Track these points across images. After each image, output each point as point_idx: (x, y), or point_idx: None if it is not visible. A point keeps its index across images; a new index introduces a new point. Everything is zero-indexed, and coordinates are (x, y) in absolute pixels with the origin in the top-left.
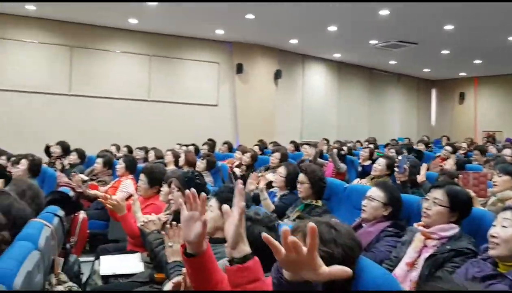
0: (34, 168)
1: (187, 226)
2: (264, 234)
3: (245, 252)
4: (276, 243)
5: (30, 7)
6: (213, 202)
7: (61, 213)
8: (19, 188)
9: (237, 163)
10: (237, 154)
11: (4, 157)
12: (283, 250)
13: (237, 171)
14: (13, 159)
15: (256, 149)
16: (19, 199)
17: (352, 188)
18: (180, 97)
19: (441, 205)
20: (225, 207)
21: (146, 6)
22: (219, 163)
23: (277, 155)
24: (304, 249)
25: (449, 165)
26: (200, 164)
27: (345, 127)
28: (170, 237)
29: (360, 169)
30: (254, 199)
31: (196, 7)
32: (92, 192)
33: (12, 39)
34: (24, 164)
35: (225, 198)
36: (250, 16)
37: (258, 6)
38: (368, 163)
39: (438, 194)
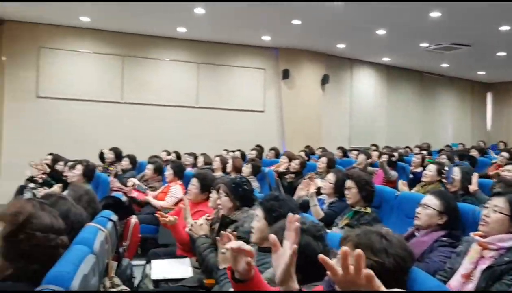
0: (89, 173)
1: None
2: (321, 256)
3: (293, 289)
4: (332, 263)
5: (85, 19)
6: (258, 211)
7: (114, 217)
8: (76, 193)
9: (283, 166)
10: (283, 159)
11: (61, 162)
12: (339, 270)
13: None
14: (69, 164)
15: (302, 154)
16: (76, 204)
17: (404, 196)
18: (227, 104)
19: (501, 213)
20: (272, 237)
21: (194, 15)
22: (266, 169)
23: (323, 160)
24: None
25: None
26: (246, 169)
27: (395, 133)
28: (223, 244)
29: (411, 175)
30: (302, 206)
31: (243, 14)
32: (143, 198)
33: (68, 50)
34: (79, 169)
35: (270, 207)
36: (296, 21)
37: (305, 11)
38: (419, 169)
39: (499, 202)
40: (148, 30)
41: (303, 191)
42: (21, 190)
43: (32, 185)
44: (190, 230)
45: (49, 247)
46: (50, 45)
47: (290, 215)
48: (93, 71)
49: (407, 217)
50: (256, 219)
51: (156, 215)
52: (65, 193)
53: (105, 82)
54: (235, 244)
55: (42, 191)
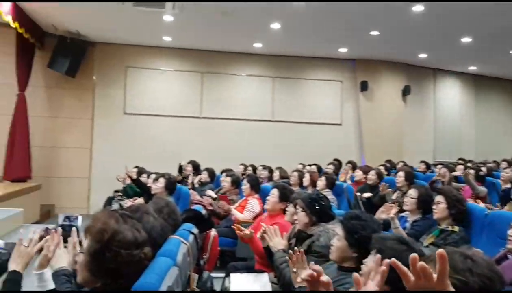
0: (170, 186)
1: None
2: (393, 260)
3: None
4: (405, 269)
5: (167, 38)
6: (339, 230)
7: (195, 230)
8: (158, 205)
9: (348, 177)
10: (358, 172)
11: (145, 175)
12: (412, 276)
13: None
14: (153, 176)
15: (382, 169)
16: (157, 216)
17: (496, 215)
18: (303, 117)
19: None
20: (356, 277)
21: (270, 30)
22: (344, 184)
23: (401, 174)
24: (434, 276)
25: None
26: (320, 182)
27: (484, 146)
28: (294, 263)
29: (502, 192)
30: (384, 226)
31: (319, 27)
32: (226, 207)
33: (152, 68)
34: (161, 182)
35: (352, 228)
36: (375, 32)
37: (383, 21)
38: (509, 185)
39: None
40: (225, 47)
41: (384, 214)
42: (109, 201)
43: (119, 195)
44: (263, 233)
45: (133, 262)
46: (135, 65)
47: (412, 256)
48: (175, 88)
49: (499, 237)
50: (336, 237)
51: (233, 227)
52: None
53: (185, 98)
54: (311, 273)
55: (128, 203)
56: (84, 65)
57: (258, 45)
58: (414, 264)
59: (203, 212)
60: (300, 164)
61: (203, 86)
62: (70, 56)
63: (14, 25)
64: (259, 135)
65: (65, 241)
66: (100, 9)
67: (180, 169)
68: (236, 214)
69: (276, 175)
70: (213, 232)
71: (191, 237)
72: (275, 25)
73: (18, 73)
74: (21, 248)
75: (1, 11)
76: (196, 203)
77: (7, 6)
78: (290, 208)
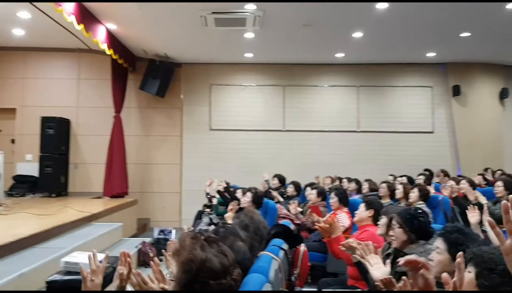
0: (257, 200)
1: None
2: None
3: None
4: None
5: (249, 55)
6: (439, 243)
7: (285, 246)
8: (243, 223)
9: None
10: (449, 183)
11: (231, 189)
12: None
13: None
14: (239, 190)
15: (480, 178)
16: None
17: None
18: (391, 126)
19: None
20: (445, 276)
21: (352, 40)
22: (440, 196)
23: (499, 184)
24: None
25: None
26: (413, 194)
27: None
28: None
29: None
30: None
31: (404, 32)
32: (316, 218)
33: (234, 85)
34: (249, 196)
35: (455, 240)
36: (465, 34)
37: (474, 22)
38: None
39: None
40: (306, 59)
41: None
42: (199, 215)
43: (208, 210)
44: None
45: (223, 291)
46: (219, 82)
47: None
48: (257, 102)
49: None
50: (436, 250)
51: (316, 225)
52: (234, 221)
53: (268, 112)
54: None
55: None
56: (172, 85)
57: (340, 55)
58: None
59: (292, 227)
60: (391, 175)
61: (285, 99)
62: (159, 78)
63: (109, 52)
64: (344, 146)
65: (160, 254)
66: (185, 32)
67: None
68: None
69: (365, 187)
70: (302, 247)
71: (281, 253)
72: (357, 34)
73: (114, 96)
74: (88, 284)
75: (98, 40)
76: (283, 217)
77: (103, 35)
78: (383, 220)
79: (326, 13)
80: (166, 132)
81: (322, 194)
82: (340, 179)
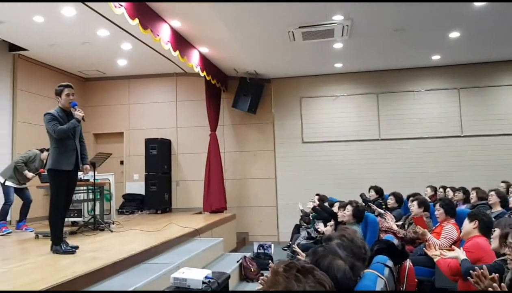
0: (358, 213)
1: None
2: None
3: None
4: None
5: (338, 65)
6: None
7: (390, 263)
8: (344, 243)
9: None
10: None
11: (326, 203)
12: None
13: None
14: (337, 204)
15: None
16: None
17: None
18: (498, 129)
19: None
20: None
21: (448, 40)
22: None
23: None
24: None
25: None
26: None
27: None
28: None
29: None
30: None
31: (505, 27)
32: (421, 231)
33: (325, 96)
34: (349, 210)
35: None
36: None
37: None
38: None
39: None
40: (399, 64)
41: None
42: (297, 229)
43: (305, 224)
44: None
45: None
46: (309, 94)
47: None
48: (349, 112)
49: None
50: None
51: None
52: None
53: (362, 121)
54: None
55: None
56: (263, 101)
57: (436, 57)
58: None
59: (395, 241)
60: (504, 181)
61: (379, 107)
62: (250, 95)
63: (203, 74)
64: (446, 153)
65: (261, 268)
66: (273, 49)
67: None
68: (432, 240)
69: (473, 196)
70: (408, 263)
71: (386, 270)
72: (454, 34)
73: (209, 116)
74: None
75: (192, 64)
76: (385, 231)
77: (196, 58)
78: (496, 233)
79: (418, 15)
80: (259, 147)
81: (424, 205)
82: (444, 188)
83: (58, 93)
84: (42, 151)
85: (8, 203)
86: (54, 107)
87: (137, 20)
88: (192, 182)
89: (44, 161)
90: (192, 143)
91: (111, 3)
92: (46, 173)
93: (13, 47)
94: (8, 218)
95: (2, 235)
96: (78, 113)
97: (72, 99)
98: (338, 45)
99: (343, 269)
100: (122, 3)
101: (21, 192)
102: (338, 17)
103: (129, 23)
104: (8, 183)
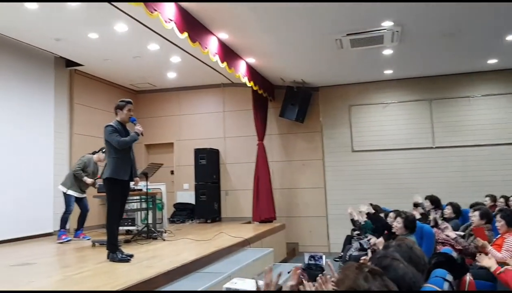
0: (410, 224)
1: None
2: None
3: None
4: None
5: (388, 71)
6: None
7: (449, 277)
8: (401, 250)
9: None
10: None
11: (383, 212)
12: None
13: None
14: (391, 215)
15: None
16: (407, 264)
17: None
18: None
19: None
20: None
21: (505, 43)
22: None
23: None
24: None
25: None
26: None
27: None
28: None
29: None
30: None
31: None
32: (481, 242)
33: (374, 104)
34: (399, 221)
35: None
36: None
37: None
38: None
39: None
40: (453, 69)
41: None
42: (349, 240)
43: (357, 232)
44: None
45: None
46: (358, 102)
47: None
48: (400, 119)
49: None
50: None
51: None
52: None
53: (414, 129)
54: None
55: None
56: (311, 109)
57: (492, 61)
58: None
59: (454, 254)
60: None
61: (432, 114)
62: (298, 104)
63: (250, 84)
64: (506, 161)
65: (313, 279)
66: (321, 57)
67: (416, 205)
68: (494, 252)
69: None
70: (468, 277)
71: (446, 285)
72: (511, 37)
73: (256, 125)
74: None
75: (240, 74)
76: (442, 242)
77: (243, 69)
78: None
79: (472, 19)
80: (308, 157)
81: (486, 216)
82: (506, 198)
83: (120, 108)
84: (93, 153)
85: (68, 211)
86: (112, 120)
87: (186, 34)
88: (240, 191)
89: (99, 163)
90: (240, 153)
91: (161, 18)
92: (102, 183)
93: (69, 63)
94: (67, 226)
95: (61, 242)
96: (139, 128)
97: (132, 114)
98: (387, 52)
99: (403, 271)
100: (172, 18)
101: (80, 201)
102: (387, 23)
103: (178, 37)
104: (70, 192)
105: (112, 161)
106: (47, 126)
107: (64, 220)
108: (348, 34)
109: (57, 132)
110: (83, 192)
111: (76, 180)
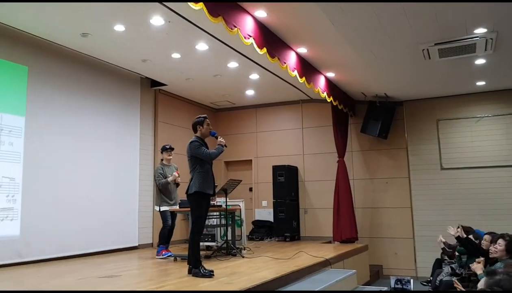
0: None
1: None
2: None
3: None
4: None
5: (480, 83)
6: None
7: None
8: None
9: None
10: None
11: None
12: None
13: None
14: (486, 237)
15: None
16: None
17: None
18: None
19: None
20: None
21: None
22: None
23: None
24: None
25: None
26: None
27: None
28: None
29: None
30: None
31: None
32: None
33: (465, 118)
34: (501, 244)
35: None
36: None
37: None
38: None
39: None
40: None
41: None
42: (439, 264)
43: (447, 258)
44: None
45: None
46: (447, 116)
47: None
48: (496, 134)
49: None
50: None
51: None
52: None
53: (511, 145)
54: None
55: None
56: (394, 125)
57: None
58: None
59: None
60: None
61: None
62: (380, 119)
63: (329, 99)
64: None
65: None
66: (405, 69)
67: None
68: None
69: None
70: None
71: None
72: None
73: (336, 142)
74: None
75: (319, 90)
76: None
77: (322, 84)
78: None
79: None
80: (392, 174)
81: None
82: None
83: (200, 123)
84: (161, 152)
85: (165, 226)
86: (192, 137)
87: (265, 50)
88: (320, 210)
89: (168, 161)
90: (319, 170)
91: (241, 33)
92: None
93: (154, 83)
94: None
95: (161, 258)
96: (221, 140)
97: (211, 128)
98: (480, 61)
99: None
100: (251, 34)
101: (175, 217)
102: (480, 30)
103: (257, 54)
104: (163, 208)
105: (199, 175)
106: (134, 144)
107: (162, 236)
108: (436, 44)
109: (142, 149)
110: (173, 200)
111: (162, 193)
